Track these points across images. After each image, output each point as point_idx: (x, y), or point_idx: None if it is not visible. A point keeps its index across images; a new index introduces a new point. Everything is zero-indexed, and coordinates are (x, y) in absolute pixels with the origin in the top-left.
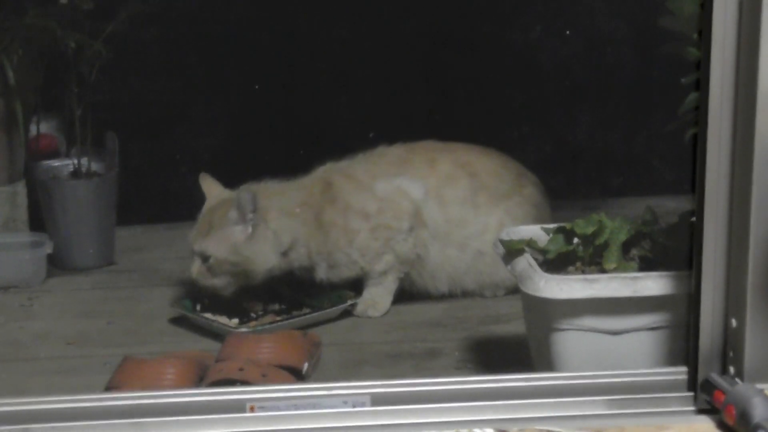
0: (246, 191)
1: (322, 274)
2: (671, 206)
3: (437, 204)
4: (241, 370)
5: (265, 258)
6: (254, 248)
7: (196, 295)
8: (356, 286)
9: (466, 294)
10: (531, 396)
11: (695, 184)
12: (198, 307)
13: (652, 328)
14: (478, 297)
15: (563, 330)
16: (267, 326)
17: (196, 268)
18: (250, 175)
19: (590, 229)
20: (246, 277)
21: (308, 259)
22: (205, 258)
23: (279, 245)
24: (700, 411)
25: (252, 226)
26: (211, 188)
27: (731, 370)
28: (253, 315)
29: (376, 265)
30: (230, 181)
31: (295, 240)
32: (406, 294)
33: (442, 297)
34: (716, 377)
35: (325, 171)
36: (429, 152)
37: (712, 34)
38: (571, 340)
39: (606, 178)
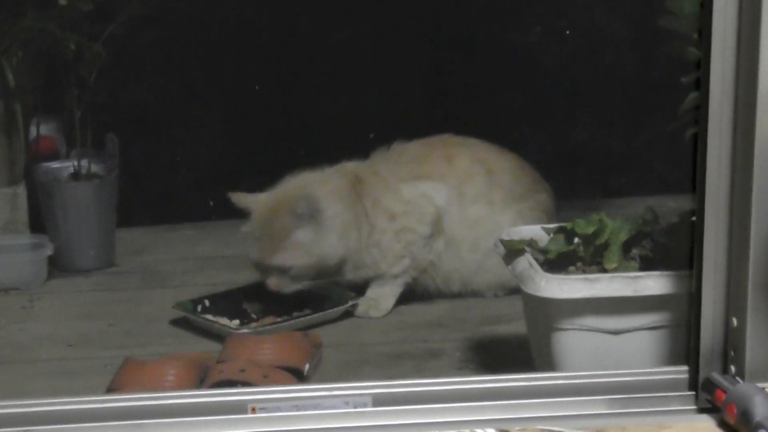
0: (301, 198)
1: (350, 274)
2: (672, 206)
3: (456, 205)
4: (242, 371)
5: (335, 248)
6: (324, 243)
7: (197, 297)
8: (357, 287)
9: (474, 293)
10: (532, 396)
11: (696, 184)
12: (199, 309)
13: (653, 328)
14: (479, 297)
15: (564, 330)
16: (268, 327)
17: (274, 281)
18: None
19: (591, 229)
20: (324, 271)
21: (357, 245)
22: (284, 270)
23: (339, 230)
24: (701, 410)
25: (314, 223)
26: (248, 201)
27: (732, 369)
28: (253, 316)
29: (392, 268)
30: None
31: (346, 225)
32: (416, 296)
33: (450, 297)
34: (717, 376)
35: (353, 166)
36: (446, 148)
37: (712, 34)
38: (572, 339)
39: (606, 177)
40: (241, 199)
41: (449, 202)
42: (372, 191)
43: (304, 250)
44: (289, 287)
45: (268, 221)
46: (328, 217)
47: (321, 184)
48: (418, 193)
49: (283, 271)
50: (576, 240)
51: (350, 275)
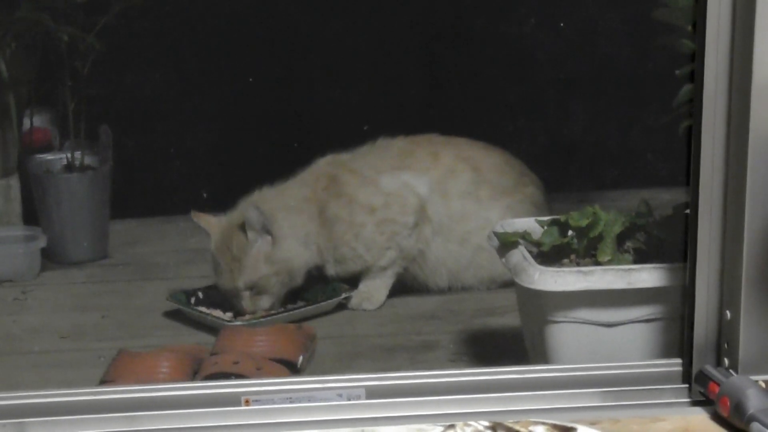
0: (249, 209)
1: (331, 270)
2: (666, 198)
3: (441, 198)
4: (235, 363)
5: (298, 253)
6: (284, 249)
7: (191, 289)
8: (351, 279)
9: (465, 289)
10: (526, 388)
11: (689, 177)
12: (192, 301)
13: (647, 320)
14: (473, 289)
15: (558, 322)
16: (262, 319)
17: (248, 300)
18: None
19: (585, 222)
20: (291, 278)
21: (319, 256)
22: (251, 287)
23: (299, 238)
24: (695, 403)
25: (270, 233)
26: (208, 222)
27: (726, 361)
28: None
29: (379, 260)
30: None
31: (307, 234)
32: (405, 288)
33: (441, 291)
34: (711, 369)
35: (327, 164)
36: (432, 145)
37: (706, 26)
38: (565, 332)
39: (600, 170)
40: (200, 219)
41: (432, 192)
42: (347, 188)
43: (265, 261)
44: (262, 303)
45: (225, 245)
46: (282, 225)
47: (272, 199)
48: (399, 184)
49: (251, 288)
50: (570, 232)
51: (331, 270)
